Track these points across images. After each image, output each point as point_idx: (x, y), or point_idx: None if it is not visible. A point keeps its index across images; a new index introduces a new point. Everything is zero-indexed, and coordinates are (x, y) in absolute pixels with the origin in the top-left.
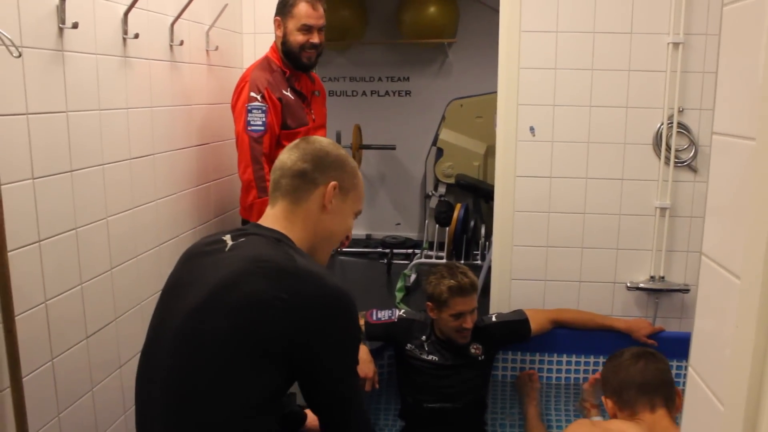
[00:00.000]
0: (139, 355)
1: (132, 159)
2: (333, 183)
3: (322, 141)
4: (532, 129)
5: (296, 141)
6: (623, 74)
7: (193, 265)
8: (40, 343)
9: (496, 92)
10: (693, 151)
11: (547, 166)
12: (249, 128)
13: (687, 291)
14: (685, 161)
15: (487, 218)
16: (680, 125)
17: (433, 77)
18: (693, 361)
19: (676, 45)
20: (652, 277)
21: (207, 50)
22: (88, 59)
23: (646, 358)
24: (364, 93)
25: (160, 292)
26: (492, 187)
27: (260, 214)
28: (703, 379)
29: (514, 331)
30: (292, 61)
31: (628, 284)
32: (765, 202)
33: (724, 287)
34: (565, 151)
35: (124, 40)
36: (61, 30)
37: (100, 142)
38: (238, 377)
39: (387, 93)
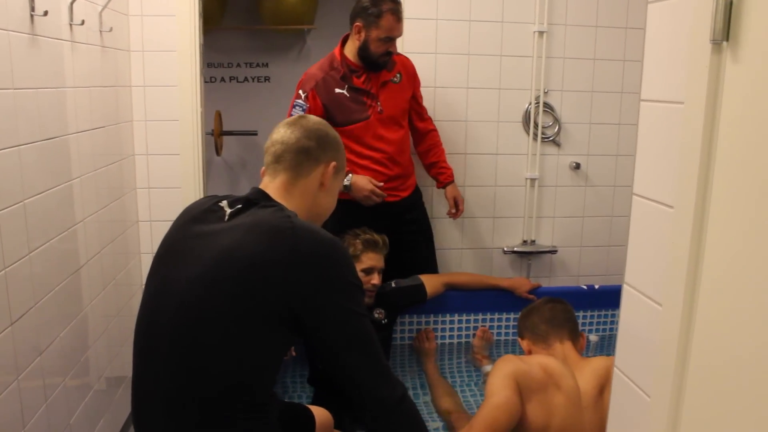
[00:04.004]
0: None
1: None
2: (333, 163)
3: (319, 121)
4: None
5: (295, 117)
6: (496, 59)
7: (190, 231)
8: None
9: None
10: (557, 127)
11: None
12: None
13: (555, 252)
14: (550, 137)
15: None
16: (545, 105)
17: (292, 63)
18: (628, 277)
19: (540, 33)
20: (524, 241)
21: (101, 31)
22: None
23: (553, 302)
24: (222, 79)
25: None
26: None
27: None
28: (637, 288)
29: (412, 295)
30: (368, 63)
31: (505, 248)
32: (695, 148)
33: (657, 214)
34: (446, 129)
35: (32, 17)
36: None
37: (15, 123)
38: (242, 341)
39: (246, 79)
